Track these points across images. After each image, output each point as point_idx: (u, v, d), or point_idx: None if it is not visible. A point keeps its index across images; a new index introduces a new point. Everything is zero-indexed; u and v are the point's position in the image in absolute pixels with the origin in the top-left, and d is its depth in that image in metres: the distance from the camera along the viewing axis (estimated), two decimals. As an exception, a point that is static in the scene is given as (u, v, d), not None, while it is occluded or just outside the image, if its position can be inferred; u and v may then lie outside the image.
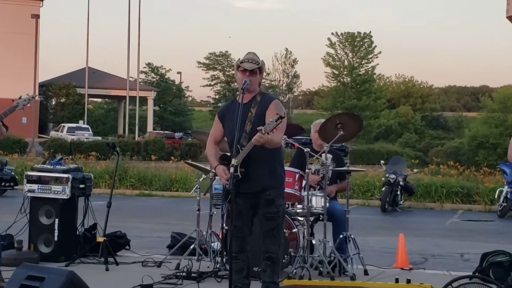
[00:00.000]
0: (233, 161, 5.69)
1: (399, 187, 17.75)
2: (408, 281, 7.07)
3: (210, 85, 71.85)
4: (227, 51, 70.89)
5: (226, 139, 6.22)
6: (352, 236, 7.85)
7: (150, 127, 59.44)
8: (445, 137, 60.76)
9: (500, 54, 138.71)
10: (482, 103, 49.43)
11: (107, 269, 7.77)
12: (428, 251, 10.64)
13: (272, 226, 6.00)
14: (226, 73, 70.35)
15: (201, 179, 8.58)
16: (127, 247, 9.04)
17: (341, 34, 61.14)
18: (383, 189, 17.78)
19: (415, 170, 19.69)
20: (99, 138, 47.49)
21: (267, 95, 6.14)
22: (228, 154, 6.12)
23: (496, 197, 17.59)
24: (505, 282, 6.30)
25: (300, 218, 7.79)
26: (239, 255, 6.00)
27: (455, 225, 14.95)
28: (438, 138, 58.75)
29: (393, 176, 17.67)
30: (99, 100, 75.69)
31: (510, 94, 48.37)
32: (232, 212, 5.85)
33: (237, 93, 6.04)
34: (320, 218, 7.81)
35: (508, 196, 16.72)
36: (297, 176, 7.47)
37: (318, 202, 7.62)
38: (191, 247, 8.21)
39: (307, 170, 7.41)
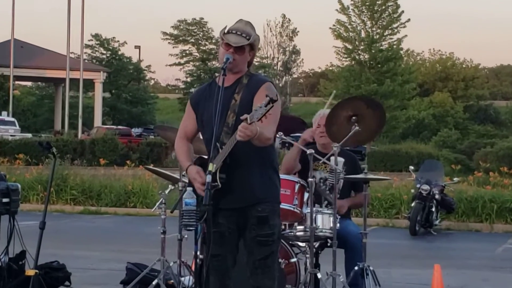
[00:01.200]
0: (210, 166, 5.67)
1: (434, 202, 17.80)
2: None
3: (179, 63, 71.98)
4: (202, 18, 71.14)
5: (201, 135, 6.22)
6: (371, 268, 7.87)
7: (98, 120, 59.43)
8: (496, 134, 61.11)
9: None
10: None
11: (39, 313, 7.76)
12: (473, 288, 10.69)
13: (266, 253, 6.00)
14: (201, 47, 70.47)
15: (167, 191, 8.58)
16: (66, 283, 9.03)
17: (357, -6, 61.33)
18: (412, 204, 17.83)
19: (455, 179, 19.72)
20: (29, 135, 47.42)
21: (256, 76, 6.12)
22: (206, 156, 6.07)
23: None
24: None
25: (301, 244, 7.80)
26: None
27: (510, 254, 15.01)
28: (487, 136, 59.08)
29: (426, 187, 17.72)
30: (28, 83, 75.66)
31: None
32: (210, 236, 5.80)
33: (216, 74, 6.05)
34: (328, 244, 7.83)
35: None
36: (297, 186, 7.47)
37: (325, 222, 7.64)
38: (154, 282, 8.21)
39: (310, 179, 7.42)
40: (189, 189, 5.85)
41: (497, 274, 12.13)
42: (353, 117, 7.65)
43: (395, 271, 11.63)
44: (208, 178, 5.62)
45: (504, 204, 18.85)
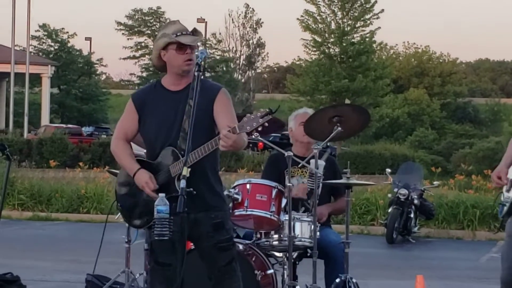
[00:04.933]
0: (185, 171, 5.71)
1: (413, 207, 17.90)
2: None
3: (134, 57, 71.90)
4: (159, 7, 71.07)
5: (142, 137, 6.40)
6: (354, 280, 7.90)
7: (45, 118, 59.09)
8: (475, 134, 61.56)
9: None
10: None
11: (-8, 330, 7.74)
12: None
13: (229, 258, 6.28)
14: (158, 39, 70.31)
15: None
16: (21, 296, 9.01)
17: (327, -17, 61.47)
18: (389, 210, 17.91)
19: (435, 183, 19.76)
20: (-30, 134, 47.07)
21: (208, 82, 6.41)
22: (144, 159, 6.35)
23: None
24: None
25: (277, 254, 7.82)
26: None
27: (494, 263, 15.10)
28: (466, 136, 59.49)
29: (404, 191, 17.79)
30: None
31: None
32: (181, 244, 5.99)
33: (154, 79, 6.11)
34: (308, 254, 7.85)
35: None
36: (274, 192, 7.48)
37: (304, 230, 7.66)
38: (117, 296, 8.22)
39: (288, 184, 7.43)
40: (161, 195, 5.87)
41: (482, 286, 12.22)
42: (336, 117, 7.68)
43: (373, 283, 11.68)
44: (183, 183, 5.67)
45: (487, 210, 18.88)
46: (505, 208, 6.68)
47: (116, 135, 6.42)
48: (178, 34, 6.15)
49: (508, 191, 6.69)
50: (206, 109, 6.11)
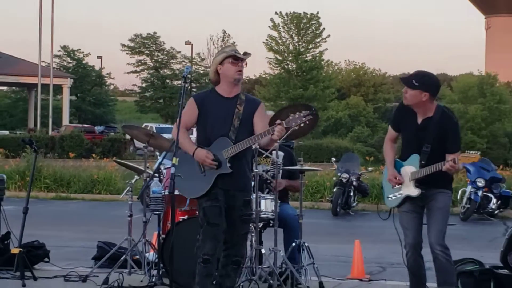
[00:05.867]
0: (174, 160, 5.73)
1: (352, 187, 17.95)
2: (369, 294, 7.15)
3: (135, 71, 71.21)
4: (155, 33, 70.39)
5: (198, 129, 6.49)
6: (306, 244, 7.90)
7: (66, 119, 58.56)
8: (399, 131, 61.41)
9: (459, 39, 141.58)
10: (441, 93, 50.24)
11: (23, 285, 7.66)
12: (386, 260, 10.79)
13: (247, 229, 6.57)
14: (154, 57, 69.84)
15: (133, 181, 8.51)
16: (46, 259, 8.93)
17: (286, 14, 61.33)
18: (334, 190, 17.96)
19: (369, 169, 19.87)
20: (6, 132, 46.61)
21: (250, 96, 6.66)
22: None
23: (458, 198, 17.79)
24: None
25: (247, 224, 7.78)
26: (212, 258, 6.19)
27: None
28: (392, 132, 59.33)
29: (345, 175, 17.84)
30: (5, 88, 74.26)
31: (471, 83, 49.33)
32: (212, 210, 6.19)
33: (199, 88, 6.11)
34: (270, 224, 7.84)
35: (472, 197, 17.01)
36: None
37: (267, 206, 7.65)
38: (122, 258, 8.16)
39: (255, 170, 7.41)
40: (155, 179, 5.87)
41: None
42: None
43: (322, 246, 11.64)
44: (173, 169, 5.67)
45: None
46: (396, 201, 6.73)
47: (180, 124, 6.38)
48: (233, 52, 6.41)
49: (397, 186, 6.73)
50: (249, 115, 6.43)
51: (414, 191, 6.59)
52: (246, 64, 6.47)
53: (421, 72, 6.69)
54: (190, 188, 6.42)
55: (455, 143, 6.54)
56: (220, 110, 6.37)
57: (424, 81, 6.58)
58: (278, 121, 6.18)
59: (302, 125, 6.19)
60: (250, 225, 6.65)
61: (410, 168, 6.63)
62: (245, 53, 6.51)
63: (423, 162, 6.53)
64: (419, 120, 6.65)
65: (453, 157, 6.34)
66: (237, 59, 6.41)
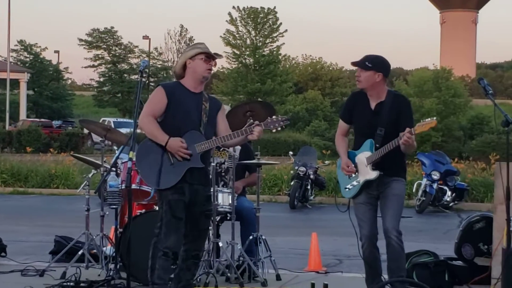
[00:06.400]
0: (131, 154, 5.68)
1: (309, 181, 17.98)
2: (325, 286, 7.18)
3: (93, 66, 70.64)
4: (112, 27, 69.84)
5: (166, 120, 6.30)
6: (264, 237, 7.91)
7: (23, 114, 58.01)
8: (356, 124, 61.70)
9: (415, 34, 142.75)
10: (397, 87, 50.56)
11: (-20, 280, 7.58)
12: (342, 252, 10.82)
13: (209, 224, 6.60)
14: (112, 52, 69.34)
15: (90, 175, 8.46)
16: (2, 253, 8.87)
17: (243, 9, 61.32)
18: (291, 183, 17.99)
19: (326, 162, 19.89)
20: (-38, 127, 45.99)
21: (212, 96, 6.68)
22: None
23: (414, 190, 17.95)
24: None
25: (204, 218, 7.77)
26: (173, 251, 6.19)
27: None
28: (350, 126, 59.59)
29: (303, 168, 17.88)
30: (-40, 83, 73.26)
31: (427, 77, 49.63)
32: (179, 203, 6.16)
33: (165, 80, 6.12)
34: (228, 218, 7.84)
35: (427, 190, 17.15)
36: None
37: (225, 199, 7.65)
38: (79, 252, 8.12)
39: (212, 164, 7.40)
40: (113, 173, 5.82)
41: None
42: (248, 112, 7.67)
43: (279, 239, 11.68)
44: (130, 164, 5.63)
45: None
46: (354, 189, 6.77)
47: (145, 113, 6.28)
48: (207, 49, 6.39)
49: (354, 175, 6.76)
50: (213, 114, 6.40)
51: (372, 174, 6.59)
52: (215, 64, 6.51)
53: (371, 55, 6.76)
54: (157, 178, 6.25)
55: (410, 121, 6.60)
56: (190, 103, 6.32)
57: (377, 62, 6.66)
58: (256, 122, 6.23)
59: (279, 129, 6.28)
60: (210, 220, 6.66)
61: (364, 154, 6.64)
62: (217, 54, 6.50)
63: (377, 145, 6.56)
64: (373, 105, 6.69)
65: (409, 129, 6.36)
66: (209, 57, 6.39)
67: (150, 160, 6.23)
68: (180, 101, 6.32)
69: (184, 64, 6.40)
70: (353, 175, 6.73)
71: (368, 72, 6.64)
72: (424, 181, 17.34)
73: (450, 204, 17.49)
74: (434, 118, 6.49)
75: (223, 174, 7.97)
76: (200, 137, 6.26)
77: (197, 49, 6.40)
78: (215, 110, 6.48)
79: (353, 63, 6.80)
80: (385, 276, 6.81)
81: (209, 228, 6.66)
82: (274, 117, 6.27)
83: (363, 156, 6.66)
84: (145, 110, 6.31)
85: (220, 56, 6.51)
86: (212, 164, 7.41)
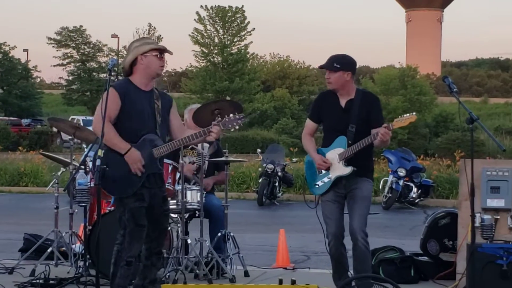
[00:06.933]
0: (99, 152, 5.62)
1: (277, 178, 18.00)
2: (293, 282, 7.21)
3: (62, 64, 70.11)
4: (81, 26, 69.41)
5: (120, 122, 6.06)
6: (232, 234, 7.92)
7: (-9, 112, 57.51)
8: (323, 122, 61.85)
9: (381, 33, 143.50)
10: (363, 85, 50.84)
11: None
12: (310, 248, 10.87)
13: (168, 222, 6.57)
14: (81, 50, 68.90)
15: (59, 173, 8.41)
16: (-30, 252, 8.76)
17: (211, 7, 61.20)
18: (260, 180, 18.01)
19: (294, 160, 19.98)
20: None
21: (162, 91, 6.45)
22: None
23: (380, 187, 18.07)
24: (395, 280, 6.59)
25: (173, 215, 7.75)
26: (135, 259, 6.15)
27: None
28: (317, 124, 59.69)
29: (270, 166, 17.89)
30: None
31: (393, 75, 49.98)
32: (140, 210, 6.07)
33: (112, 77, 5.95)
34: (196, 215, 7.84)
35: (394, 187, 17.27)
36: (170, 168, 7.43)
37: (193, 197, 7.65)
38: (49, 250, 8.07)
39: (181, 161, 7.40)
40: (81, 171, 5.79)
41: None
42: (217, 110, 7.65)
43: (247, 236, 11.69)
44: (98, 162, 5.58)
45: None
46: (325, 186, 6.78)
47: (104, 118, 5.85)
48: (160, 45, 6.18)
49: (324, 171, 6.78)
50: (166, 111, 6.22)
51: (345, 170, 6.61)
52: (166, 61, 6.45)
53: (337, 55, 6.80)
54: (117, 186, 6.08)
55: (380, 118, 6.67)
56: (142, 103, 6.07)
57: (344, 62, 6.71)
58: (214, 123, 6.10)
59: (237, 127, 6.18)
60: (168, 218, 6.63)
61: (336, 151, 6.65)
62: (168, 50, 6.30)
63: (349, 142, 6.59)
64: (343, 103, 6.73)
65: (386, 125, 6.41)
66: (162, 53, 6.18)
67: (113, 164, 5.97)
68: (133, 101, 6.06)
69: (134, 60, 6.13)
70: (323, 171, 6.74)
71: (337, 73, 6.68)
72: (391, 178, 17.44)
73: (416, 201, 17.63)
74: (414, 113, 6.55)
75: (194, 172, 7.96)
76: (158, 140, 6.10)
77: (151, 45, 6.15)
78: (167, 107, 6.28)
79: (321, 67, 6.84)
80: (351, 272, 6.84)
81: (167, 227, 6.65)
82: (231, 115, 6.13)
83: (335, 153, 6.68)
84: (98, 114, 5.93)
85: (171, 52, 6.26)
86: (181, 162, 7.40)
